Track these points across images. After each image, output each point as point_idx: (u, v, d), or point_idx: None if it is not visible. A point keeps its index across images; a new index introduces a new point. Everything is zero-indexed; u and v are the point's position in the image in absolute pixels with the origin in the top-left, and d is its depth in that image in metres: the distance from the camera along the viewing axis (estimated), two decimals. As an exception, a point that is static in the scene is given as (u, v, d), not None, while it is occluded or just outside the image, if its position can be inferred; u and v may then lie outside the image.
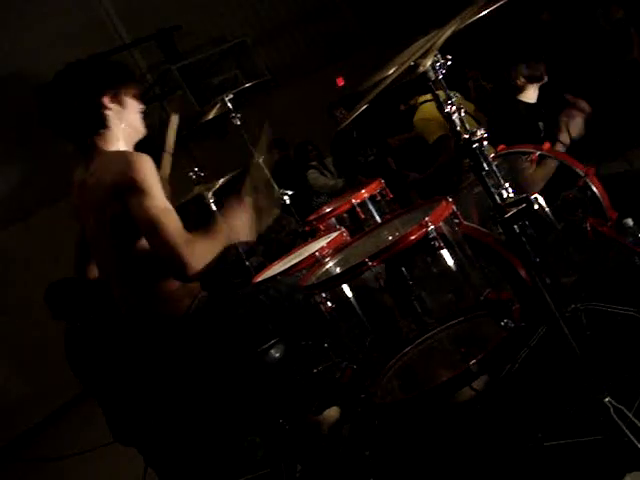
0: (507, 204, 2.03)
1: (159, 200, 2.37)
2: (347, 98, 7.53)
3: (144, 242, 2.46)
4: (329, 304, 2.40)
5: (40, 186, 8.12)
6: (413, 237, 2.22)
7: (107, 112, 2.60)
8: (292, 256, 3.15)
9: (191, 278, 2.34)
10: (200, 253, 2.34)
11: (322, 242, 3.06)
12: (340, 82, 9.81)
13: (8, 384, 7.84)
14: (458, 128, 2.05)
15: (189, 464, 3.67)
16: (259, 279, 3.03)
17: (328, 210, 3.72)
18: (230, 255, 4.14)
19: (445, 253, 2.29)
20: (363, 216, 3.46)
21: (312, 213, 4.20)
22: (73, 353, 4.15)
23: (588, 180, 3.18)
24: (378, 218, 3.50)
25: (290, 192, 3.85)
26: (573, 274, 3.02)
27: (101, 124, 2.59)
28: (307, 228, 3.72)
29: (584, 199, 3.13)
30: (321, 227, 3.55)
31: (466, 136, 2.02)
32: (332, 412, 3.33)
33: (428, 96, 4.81)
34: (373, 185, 3.58)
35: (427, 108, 4.83)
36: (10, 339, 7.74)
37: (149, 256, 2.49)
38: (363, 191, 3.52)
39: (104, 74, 2.63)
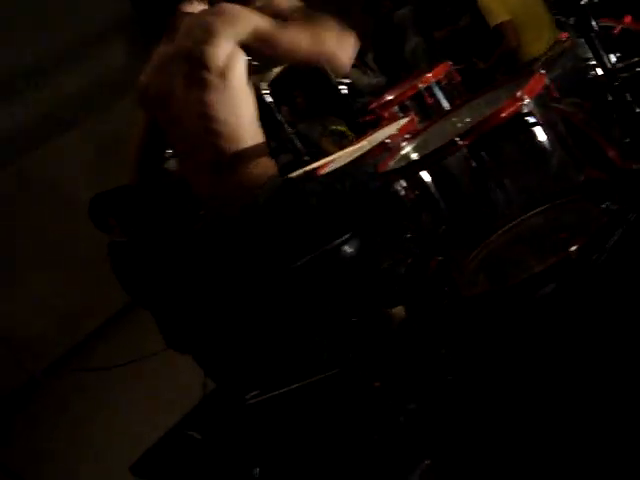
0: (619, 69, 1.81)
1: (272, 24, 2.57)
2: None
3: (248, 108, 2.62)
4: (411, 192, 2.22)
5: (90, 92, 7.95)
6: (507, 112, 2.00)
7: None
8: (358, 146, 2.93)
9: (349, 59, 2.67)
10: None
11: (392, 129, 2.83)
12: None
13: (60, 296, 7.84)
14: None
15: (251, 369, 3.58)
16: (325, 170, 2.82)
17: (391, 97, 3.47)
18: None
19: (541, 130, 2.07)
20: (430, 101, 3.21)
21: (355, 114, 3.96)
22: (120, 265, 4.06)
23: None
24: (446, 104, 3.24)
25: (347, 80, 3.63)
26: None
27: None
28: (370, 117, 3.49)
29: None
30: (385, 115, 3.31)
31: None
32: (399, 310, 3.19)
33: None
34: (440, 68, 3.31)
35: None
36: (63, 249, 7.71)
37: (247, 125, 2.62)
38: (429, 74, 3.25)
39: None
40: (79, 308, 7.84)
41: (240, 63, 2.59)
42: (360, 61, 7.50)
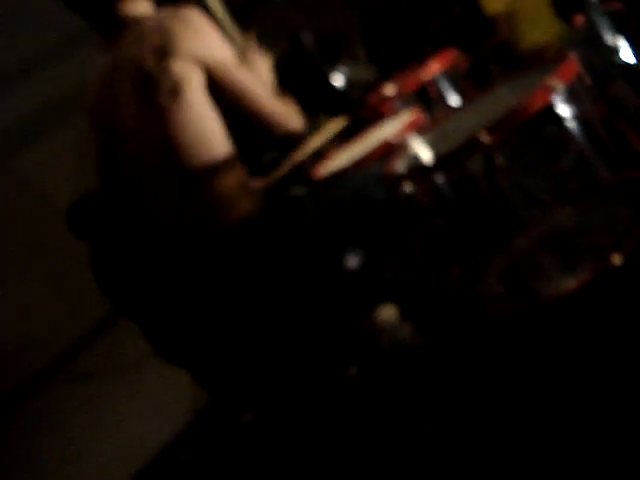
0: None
1: (232, 60, 2.33)
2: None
3: (208, 121, 2.35)
4: (423, 197, 1.95)
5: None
6: (537, 103, 1.73)
7: None
8: (357, 145, 2.64)
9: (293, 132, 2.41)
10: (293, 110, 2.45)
11: (394, 125, 2.55)
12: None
13: (42, 304, 7.61)
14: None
15: (248, 383, 3.32)
16: (321, 173, 2.54)
17: (391, 91, 3.17)
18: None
19: (575, 123, 1.81)
20: (435, 94, 2.92)
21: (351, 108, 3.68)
22: (102, 273, 3.83)
23: None
24: (453, 97, 2.95)
25: (341, 72, 3.42)
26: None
27: None
28: (366, 114, 3.20)
29: None
30: (385, 110, 3.02)
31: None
32: (389, 312, 2.92)
33: None
34: (445, 55, 3.01)
35: None
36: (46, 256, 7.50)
37: (210, 143, 2.32)
38: (434, 64, 2.96)
39: None
40: (62, 316, 7.62)
41: (197, 74, 2.30)
42: (350, 55, 7.28)
